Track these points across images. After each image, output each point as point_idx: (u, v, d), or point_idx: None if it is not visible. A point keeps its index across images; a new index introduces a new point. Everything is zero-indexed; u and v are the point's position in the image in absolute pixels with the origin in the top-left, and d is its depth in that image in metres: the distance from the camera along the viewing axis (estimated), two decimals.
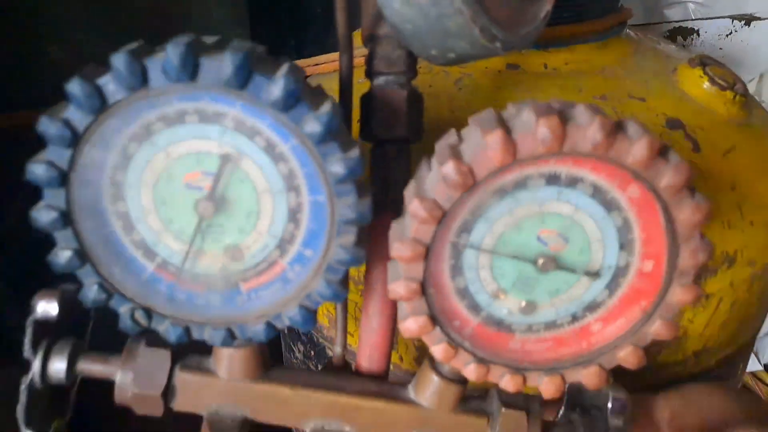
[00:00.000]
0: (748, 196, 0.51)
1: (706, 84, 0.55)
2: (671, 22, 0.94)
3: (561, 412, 0.44)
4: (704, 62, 0.57)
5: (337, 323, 0.42)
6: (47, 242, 0.37)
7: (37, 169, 0.31)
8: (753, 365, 1.04)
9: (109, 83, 0.29)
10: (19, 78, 0.86)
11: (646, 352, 0.52)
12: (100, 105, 0.30)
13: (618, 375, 0.51)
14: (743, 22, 0.88)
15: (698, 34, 0.92)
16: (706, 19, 0.90)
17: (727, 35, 0.89)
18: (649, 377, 0.52)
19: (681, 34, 0.93)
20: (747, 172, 0.52)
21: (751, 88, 0.95)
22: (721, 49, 0.90)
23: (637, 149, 0.31)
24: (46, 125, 0.30)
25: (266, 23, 0.92)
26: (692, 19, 0.92)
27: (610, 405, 0.41)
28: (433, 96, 0.53)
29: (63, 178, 0.31)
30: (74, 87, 0.29)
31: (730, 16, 0.88)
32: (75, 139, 0.30)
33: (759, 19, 0.86)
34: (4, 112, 0.84)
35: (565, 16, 0.54)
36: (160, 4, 0.81)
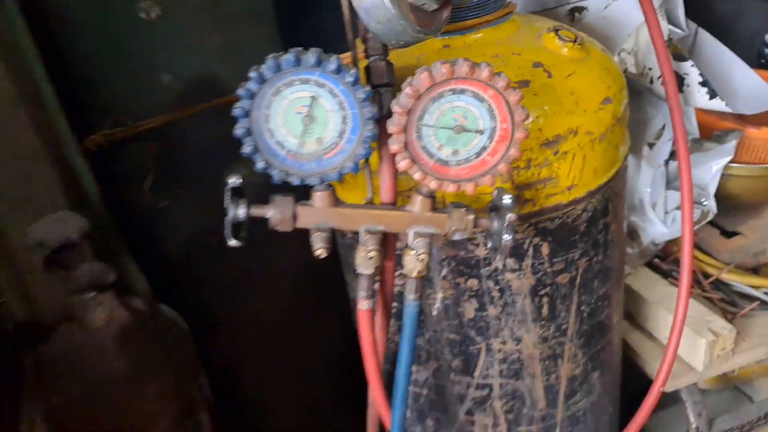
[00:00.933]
0: (582, 98, 0.93)
1: (557, 41, 0.98)
2: (570, 3, 1.36)
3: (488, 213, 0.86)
4: (557, 29, 0.99)
5: (366, 177, 0.86)
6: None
7: (236, 110, 0.74)
8: (654, 230, 1.42)
9: (265, 70, 0.72)
10: (138, 98, 1.28)
11: (538, 188, 0.94)
12: (262, 80, 0.73)
13: (521, 200, 0.94)
14: None
15: (588, 10, 1.34)
16: None
17: (605, 7, 1.31)
18: (543, 201, 0.94)
19: (577, 11, 1.36)
20: (581, 85, 0.94)
21: (632, 40, 1.37)
22: (604, 17, 1.32)
23: (484, 73, 0.74)
24: (240, 91, 0.73)
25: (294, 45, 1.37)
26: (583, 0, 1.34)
27: (503, 201, 0.83)
28: (404, 67, 0.96)
29: (247, 114, 0.74)
30: (252, 73, 0.72)
31: None
32: (251, 96, 0.74)
33: None
34: (129, 124, 1.26)
35: (472, 14, 0.97)
36: (230, 45, 1.25)
